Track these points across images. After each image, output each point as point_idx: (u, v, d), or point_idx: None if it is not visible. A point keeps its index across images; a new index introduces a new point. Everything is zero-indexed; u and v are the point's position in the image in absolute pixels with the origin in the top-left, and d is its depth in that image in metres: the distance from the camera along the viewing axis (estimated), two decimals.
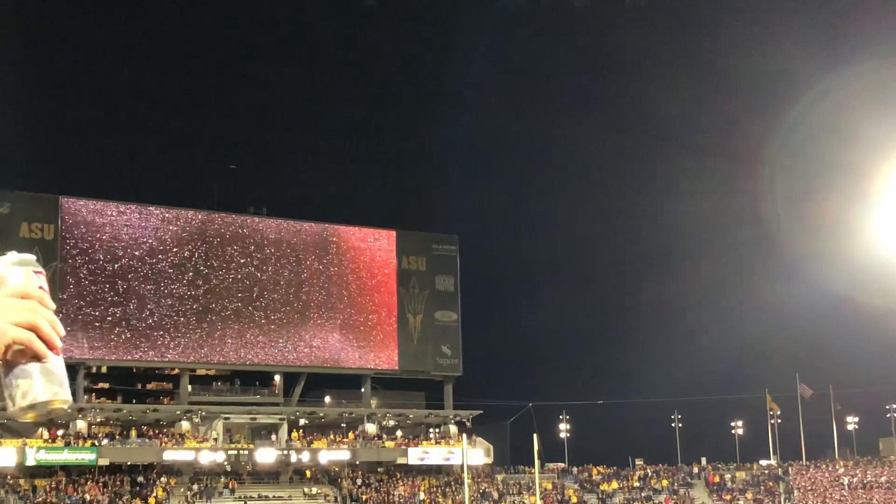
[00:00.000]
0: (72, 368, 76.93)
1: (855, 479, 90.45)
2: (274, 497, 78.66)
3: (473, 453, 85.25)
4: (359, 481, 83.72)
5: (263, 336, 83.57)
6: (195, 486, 77.03)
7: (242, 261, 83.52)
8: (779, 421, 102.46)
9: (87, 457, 73.49)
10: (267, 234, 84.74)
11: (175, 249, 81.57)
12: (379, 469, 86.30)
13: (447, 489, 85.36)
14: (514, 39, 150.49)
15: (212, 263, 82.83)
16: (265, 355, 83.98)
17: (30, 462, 71.47)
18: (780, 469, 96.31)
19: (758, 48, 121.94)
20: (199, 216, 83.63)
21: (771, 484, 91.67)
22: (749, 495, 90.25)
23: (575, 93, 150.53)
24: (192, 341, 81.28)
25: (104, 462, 74.40)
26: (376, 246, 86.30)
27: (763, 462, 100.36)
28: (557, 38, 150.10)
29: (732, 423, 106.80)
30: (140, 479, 75.93)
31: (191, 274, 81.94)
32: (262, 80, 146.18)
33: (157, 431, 78.56)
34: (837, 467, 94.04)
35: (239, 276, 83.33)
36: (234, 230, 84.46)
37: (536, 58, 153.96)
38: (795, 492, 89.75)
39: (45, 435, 73.69)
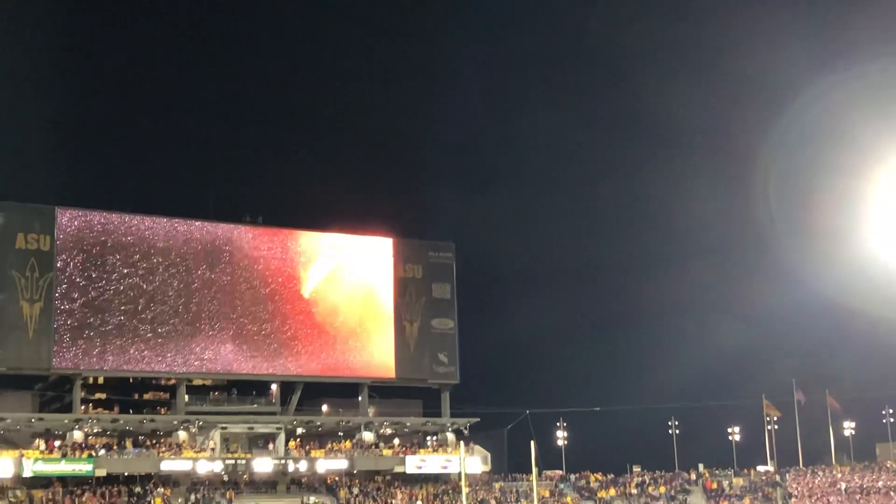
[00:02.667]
0: (68, 379, 77.04)
1: (852, 485, 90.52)
2: None
3: (471, 461, 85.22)
4: (356, 490, 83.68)
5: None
6: (193, 496, 76.97)
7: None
8: (776, 427, 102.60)
9: (84, 468, 73.37)
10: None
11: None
12: (377, 477, 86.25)
13: (445, 497, 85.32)
14: (506, 41, 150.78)
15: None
16: (257, 365, 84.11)
17: (27, 473, 71.35)
18: (777, 475, 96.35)
19: (752, 49, 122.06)
20: (188, 227, 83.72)
21: (769, 490, 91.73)
22: (747, 501, 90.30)
23: (570, 95, 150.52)
24: (187, 350, 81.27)
25: (101, 473, 74.28)
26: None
27: (760, 468, 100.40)
28: (550, 39, 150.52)
29: (729, 429, 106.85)
30: (137, 489, 75.85)
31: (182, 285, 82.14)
32: (250, 86, 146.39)
33: (154, 442, 78.49)
34: (835, 472, 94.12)
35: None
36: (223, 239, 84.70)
37: (530, 61, 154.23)
38: (793, 498, 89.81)
39: (43, 446, 73.63)
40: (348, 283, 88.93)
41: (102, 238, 79.25)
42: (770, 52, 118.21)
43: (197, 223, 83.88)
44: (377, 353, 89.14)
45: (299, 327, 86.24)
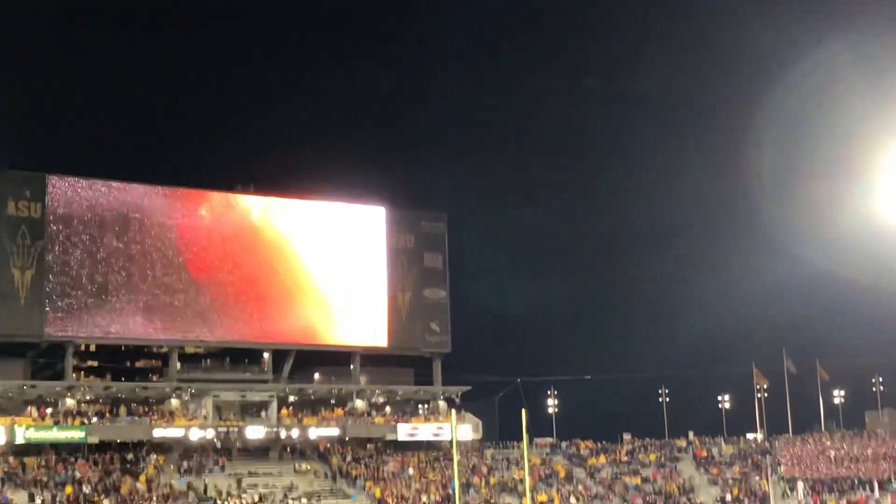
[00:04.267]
0: (60, 347, 77.13)
1: (841, 452, 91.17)
2: (264, 473, 78.99)
3: (462, 429, 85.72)
4: (348, 457, 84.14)
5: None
6: (185, 463, 77.32)
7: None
8: (765, 395, 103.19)
9: (76, 435, 73.65)
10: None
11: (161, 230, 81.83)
12: (368, 445, 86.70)
13: (436, 464, 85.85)
14: (499, 14, 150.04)
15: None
16: (248, 333, 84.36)
17: (19, 440, 71.60)
18: (766, 442, 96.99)
19: (744, 23, 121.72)
20: (182, 193, 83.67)
21: (758, 457, 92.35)
22: (736, 469, 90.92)
23: (562, 70, 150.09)
24: (181, 318, 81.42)
25: (94, 440, 74.59)
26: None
27: (750, 436, 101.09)
28: (542, 12, 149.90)
29: (719, 398, 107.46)
30: (130, 456, 76.16)
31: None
32: (242, 56, 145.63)
33: (146, 409, 78.74)
34: (824, 440, 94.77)
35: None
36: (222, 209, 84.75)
37: (522, 33, 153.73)
38: (782, 465, 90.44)
39: (35, 413, 73.82)
40: (340, 252, 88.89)
41: (93, 206, 79.10)
42: (761, 24, 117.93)
43: (192, 190, 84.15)
44: (369, 322, 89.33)
45: (286, 295, 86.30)
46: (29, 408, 74.57)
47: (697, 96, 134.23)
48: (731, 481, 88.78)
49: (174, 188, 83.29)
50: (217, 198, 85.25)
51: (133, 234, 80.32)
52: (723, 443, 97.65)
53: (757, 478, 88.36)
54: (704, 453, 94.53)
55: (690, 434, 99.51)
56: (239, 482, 76.46)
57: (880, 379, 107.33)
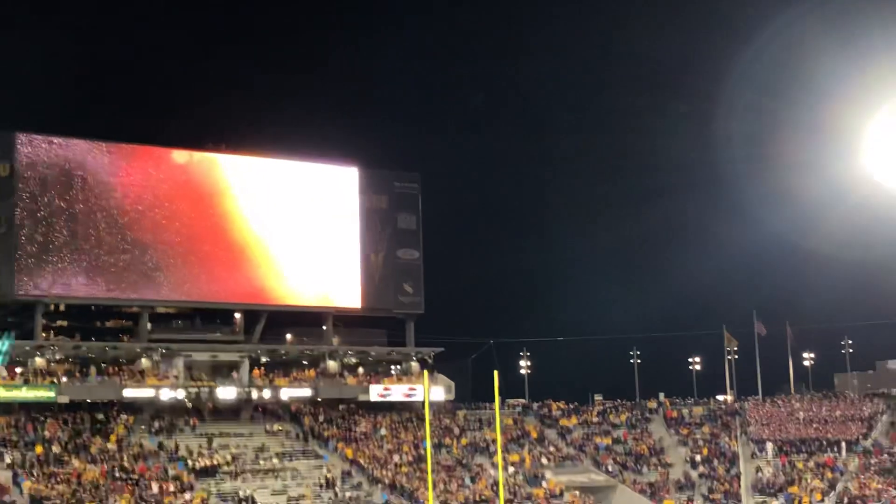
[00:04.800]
0: (30, 307, 76.42)
1: (810, 414, 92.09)
2: (235, 434, 78.89)
3: (435, 390, 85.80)
4: (321, 418, 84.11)
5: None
6: (156, 424, 77.04)
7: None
8: (736, 357, 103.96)
9: (46, 394, 73.14)
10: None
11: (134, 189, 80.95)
12: (340, 406, 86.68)
13: (409, 425, 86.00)
14: None
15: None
16: (219, 292, 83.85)
17: None
18: (736, 404, 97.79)
19: None
20: (147, 153, 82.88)
21: (727, 419, 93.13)
22: (706, 429, 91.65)
23: (533, 29, 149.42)
24: (149, 277, 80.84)
25: (64, 400, 74.06)
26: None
27: (720, 397, 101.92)
28: None
29: (690, 360, 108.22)
30: (100, 416, 75.78)
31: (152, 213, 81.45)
32: (213, 14, 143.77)
33: (116, 369, 78.26)
34: (793, 402, 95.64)
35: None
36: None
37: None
38: (751, 426, 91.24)
39: (4, 373, 73.21)
40: (312, 212, 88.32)
41: (63, 164, 78.04)
42: None
43: (165, 150, 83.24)
44: (342, 283, 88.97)
45: (258, 255, 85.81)
46: None
47: (666, 58, 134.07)
48: (700, 442, 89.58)
49: (150, 146, 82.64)
50: (196, 156, 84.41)
51: (88, 191, 79.16)
52: (693, 404, 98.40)
53: (726, 438, 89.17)
54: (675, 414, 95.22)
55: (661, 395, 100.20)
56: (210, 442, 76.28)
57: (849, 342, 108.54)
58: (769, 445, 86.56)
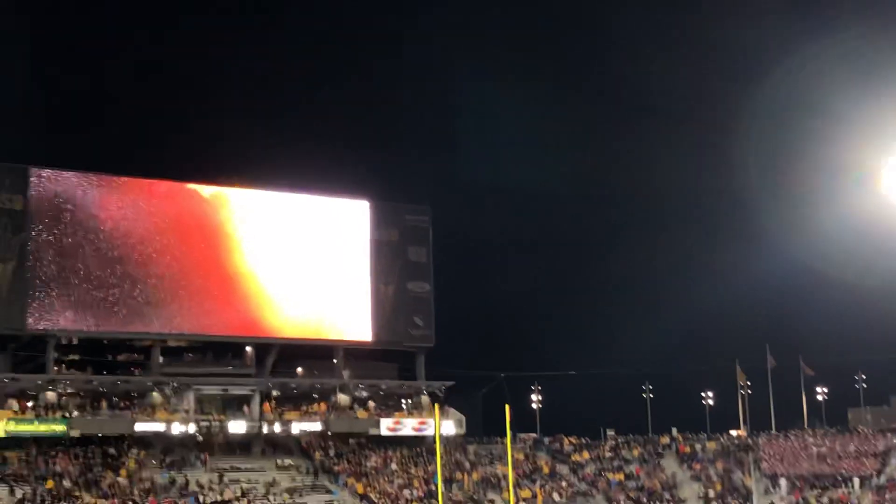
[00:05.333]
0: (42, 340, 76.52)
1: (824, 449, 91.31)
2: (246, 468, 78.69)
3: (446, 424, 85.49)
4: (331, 452, 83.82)
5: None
6: (167, 458, 76.88)
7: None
8: (749, 392, 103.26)
9: (57, 428, 73.11)
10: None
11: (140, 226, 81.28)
12: (351, 440, 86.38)
13: (419, 460, 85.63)
14: (487, 7, 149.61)
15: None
16: (231, 327, 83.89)
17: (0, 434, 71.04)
18: (749, 439, 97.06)
19: (732, 16, 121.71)
20: (161, 189, 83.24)
21: (741, 454, 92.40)
22: (719, 465, 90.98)
23: (545, 61, 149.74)
24: (163, 313, 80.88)
25: (75, 434, 74.06)
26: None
27: (733, 432, 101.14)
28: (526, 3, 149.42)
29: (703, 394, 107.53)
30: (111, 450, 75.68)
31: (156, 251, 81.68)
32: (222, 52, 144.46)
33: (128, 403, 78.22)
34: (807, 437, 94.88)
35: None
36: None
37: (508, 25, 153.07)
38: (765, 462, 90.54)
39: (16, 406, 73.20)
40: (324, 246, 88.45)
41: (75, 199, 78.47)
42: (747, 19, 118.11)
43: (165, 183, 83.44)
44: (353, 317, 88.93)
45: (269, 289, 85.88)
46: (10, 401, 73.93)
47: (682, 88, 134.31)
48: (714, 477, 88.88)
49: (164, 181, 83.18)
50: (208, 190, 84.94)
51: (111, 226, 79.61)
52: (706, 439, 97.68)
53: (740, 474, 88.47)
54: (688, 449, 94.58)
55: (674, 430, 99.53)
56: (221, 477, 76.05)
57: (863, 376, 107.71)
58: (783, 481, 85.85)
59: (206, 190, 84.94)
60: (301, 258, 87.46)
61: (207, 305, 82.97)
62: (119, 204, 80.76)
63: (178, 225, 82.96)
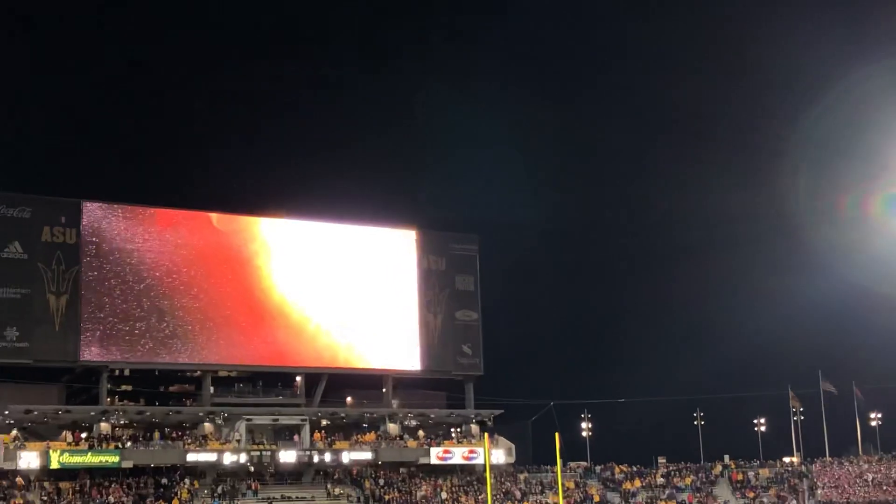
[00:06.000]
0: (95, 371, 77.50)
1: (879, 476, 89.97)
2: (297, 498, 78.88)
3: (495, 452, 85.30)
4: (381, 481, 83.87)
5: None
6: (219, 488, 77.35)
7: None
8: (802, 418, 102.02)
9: (110, 459, 73.91)
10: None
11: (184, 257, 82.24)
12: (401, 469, 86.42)
13: (469, 488, 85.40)
14: (527, 27, 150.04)
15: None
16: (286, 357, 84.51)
17: (53, 465, 71.89)
18: (803, 466, 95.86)
19: (780, 41, 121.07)
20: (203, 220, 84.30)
21: (794, 481, 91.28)
22: (773, 492, 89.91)
23: (589, 84, 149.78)
24: (213, 344, 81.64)
25: (128, 464, 74.82)
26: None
27: (786, 459, 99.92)
28: (572, 26, 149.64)
29: (755, 420, 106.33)
30: (164, 480, 76.31)
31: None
32: (265, 82, 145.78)
33: (180, 433, 78.90)
34: (861, 464, 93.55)
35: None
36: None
37: (549, 48, 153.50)
38: (819, 489, 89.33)
39: (70, 438, 74.13)
40: (372, 275, 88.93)
41: (127, 232, 79.62)
42: (799, 43, 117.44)
43: (219, 215, 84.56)
44: (401, 346, 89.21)
45: (314, 318, 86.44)
46: (64, 432, 74.93)
47: (733, 114, 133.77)
48: None
49: (206, 212, 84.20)
50: (267, 222, 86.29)
51: (165, 259, 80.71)
52: (759, 466, 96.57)
53: (794, 502, 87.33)
54: (740, 477, 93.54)
55: (726, 457, 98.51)
56: None
57: None
58: None
59: (263, 222, 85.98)
60: (350, 288, 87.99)
61: (257, 336, 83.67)
62: (172, 235, 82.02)
63: (226, 258, 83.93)
